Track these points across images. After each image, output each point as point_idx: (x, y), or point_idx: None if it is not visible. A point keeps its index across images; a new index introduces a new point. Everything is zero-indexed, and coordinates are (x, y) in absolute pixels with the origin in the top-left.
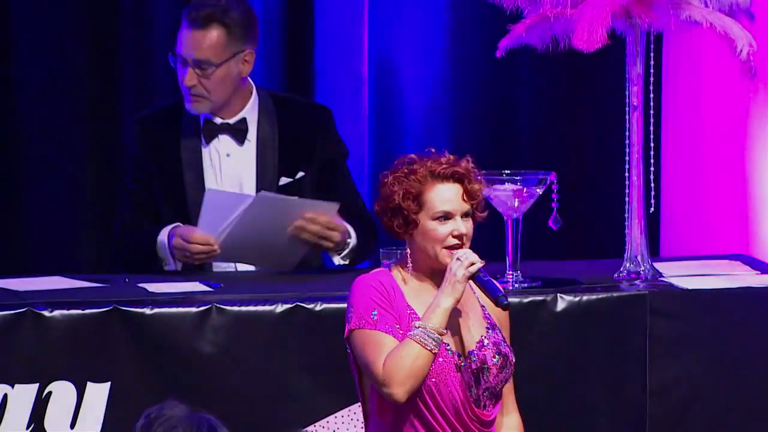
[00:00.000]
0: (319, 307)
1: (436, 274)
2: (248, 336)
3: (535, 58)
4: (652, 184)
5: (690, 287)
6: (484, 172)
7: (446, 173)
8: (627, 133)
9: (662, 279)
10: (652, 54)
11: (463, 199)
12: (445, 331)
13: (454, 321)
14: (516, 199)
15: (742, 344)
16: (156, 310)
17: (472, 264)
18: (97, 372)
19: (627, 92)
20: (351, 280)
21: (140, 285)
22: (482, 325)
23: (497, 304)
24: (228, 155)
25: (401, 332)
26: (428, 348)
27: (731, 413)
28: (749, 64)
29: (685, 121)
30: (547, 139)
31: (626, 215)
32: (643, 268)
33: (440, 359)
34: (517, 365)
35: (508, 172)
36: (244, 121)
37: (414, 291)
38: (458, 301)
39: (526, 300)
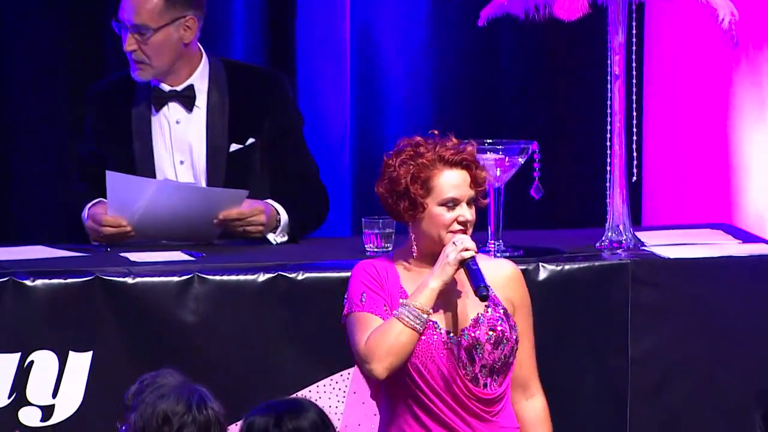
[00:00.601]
0: (300, 276)
1: (437, 258)
2: (230, 305)
3: (516, 27)
4: (634, 154)
5: (672, 256)
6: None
7: (455, 159)
8: (609, 103)
9: (644, 248)
10: (634, 23)
11: (470, 186)
12: (430, 311)
13: (450, 299)
14: (498, 169)
15: (723, 313)
16: (138, 280)
17: (466, 250)
18: (79, 341)
19: (609, 61)
20: (331, 247)
21: (122, 254)
22: (482, 304)
23: (476, 293)
24: (177, 122)
25: (390, 313)
26: (410, 326)
27: (713, 382)
28: (731, 32)
29: (666, 90)
30: (528, 109)
31: (608, 184)
32: (625, 237)
33: (425, 337)
34: None
35: (490, 141)
36: (191, 87)
37: (411, 273)
38: (447, 284)
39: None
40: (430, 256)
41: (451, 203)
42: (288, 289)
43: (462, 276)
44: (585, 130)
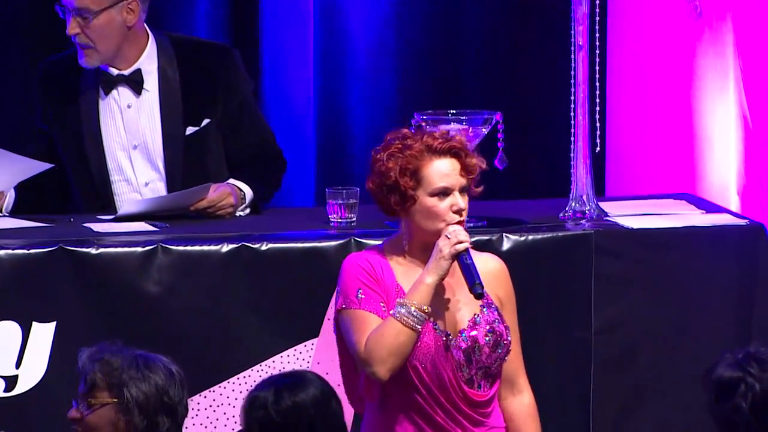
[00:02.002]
0: (264, 247)
1: (430, 252)
2: (194, 276)
3: None
4: (598, 124)
5: (635, 226)
6: (429, 112)
7: (443, 148)
8: (572, 73)
9: (608, 218)
10: None
11: (461, 174)
12: (428, 309)
13: (445, 299)
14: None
15: (686, 283)
16: (101, 250)
17: (460, 242)
18: (42, 312)
19: (572, 32)
20: (295, 218)
21: (86, 225)
22: (476, 302)
23: (471, 291)
24: (129, 106)
25: (387, 311)
26: (409, 325)
27: (676, 352)
28: (694, 3)
29: (630, 60)
30: (492, 79)
31: (572, 155)
32: (588, 207)
33: (426, 338)
34: None
35: (454, 111)
36: (139, 72)
37: (406, 269)
38: (442, 279)
39: (472, 239)
40: (424, 249)
41: (443, 193)
42: (252, 259)
43: (458, 274)
44: (548, 100)
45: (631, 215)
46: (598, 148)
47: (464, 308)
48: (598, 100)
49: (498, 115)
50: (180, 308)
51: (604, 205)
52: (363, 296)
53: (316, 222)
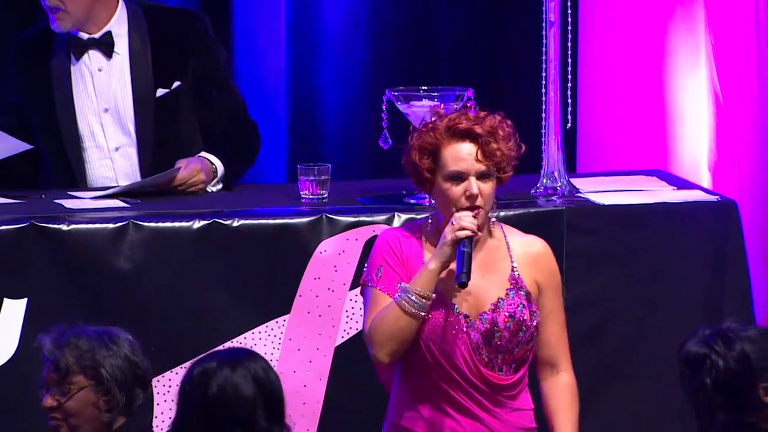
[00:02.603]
0: (236, 223)
1: None
2: (165, 252)
3: None
4: (569, 100)
5: (606, 203)
6: (401, 89)
7: (461, 130)
8: (544, 49)
9: (579, 195)
10: None
11: (478, 159)
12: (430, 295)
13: (471, 282)
14: None
15: (658, 260)
16: (73, 227)
17: (462, 229)
18: (13, 288)
19: (544, 8)
20: (267, 194)
21: (57, 201)
22: (504, 286)
23: (456, 280)
24: (100, 70)
25: None
26: (408, 312)
27: (647, 328)
28: None
29: (602, 37)
30: (464, 56)
31: (543, 131)
32: (560, 183)
33: (440, 318)
34: None
35: (426, 88)
36: (109, 34)
37: (435, 245)
38: (446, 264)
39: None
40: None
41: (457, 177)
42: (223, 236)
43: (482, 257)
44: (520, 77)
45: (602, 191)
46: (569, 125)
47: (489, 291)
48: (569, 77)
49: (469, 91)
50: (151, 284)
51: (575, 181)
52: (382, 275)
53: (287, 198)
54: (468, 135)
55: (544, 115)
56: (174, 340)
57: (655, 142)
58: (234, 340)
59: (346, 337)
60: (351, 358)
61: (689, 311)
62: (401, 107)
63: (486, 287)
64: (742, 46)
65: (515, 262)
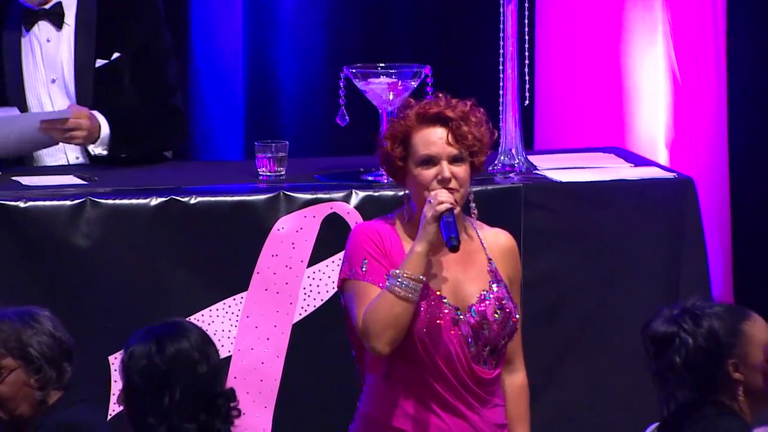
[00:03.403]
0: (193, 200)
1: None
2: (123, 229)
3: None
4: (527, 77)
5: (564, 180)
6: (359, 65)
7: (432, 115)
8: (501, 27)
9: (536, 172)
10: None
11: (449, 143)
12: (421, 278)
13: (454, 274)
14: (391, 92)
15: (615, 236)
16: (30, 204)
17: (441, 203)
18: None
19: None
20: (224, 171)
21: (14, 178)
22: (485, 279)
23: (446, 245)
24: (48, 41)
25: None
26: (402, 297)
27: (605, 304)
28: None
29: (559, 13)
30: (422, 32)
31: (501, 108)
32: (517, 160)
33: (435, 312)
34: None
35: (383, 65)
36: (60, 5)
37: (412, 240)
38: (431, 244)
39: (400, 193)
40: None
41: (428, 161)
42: (181, 213)
43: (467, 249)
44: (478, 54)
45: (560, 168)
46: (527, 102)
47: (474, 283)
48: (527, 54)
49: (427, 68)
50: (109, 262)
51: (533, 158)
52: (367, 268)
53: (245, 175)
54: (438, 119)
55: (501, 92)
56: (131, 317)
57: (613, 119)
58: (192, 317)
59: (304, 314)
60: (308, 335)
61: (647, 288)
62: (359, 84)
63: (469, 280)
64: (698, 22)
65: (489, 254)
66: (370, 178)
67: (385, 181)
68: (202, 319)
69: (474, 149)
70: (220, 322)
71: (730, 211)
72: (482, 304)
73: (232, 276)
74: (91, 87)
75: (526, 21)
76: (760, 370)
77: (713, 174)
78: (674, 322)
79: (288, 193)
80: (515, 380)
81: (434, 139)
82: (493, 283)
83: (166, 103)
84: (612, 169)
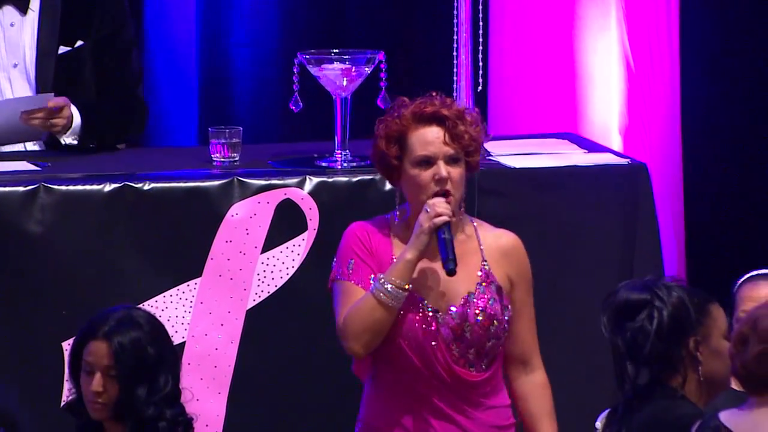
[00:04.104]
0: (147, 186)
1: None
2: (76, 215)
3: None
4: (480, 63)
5: (518, 166)
6: (312, 52)
7: (428, 115)
8: (455, 12)
9: (490, 158)
10: None
11: (446, 143)
12: (407, 286)
13: (439, 275)
14: (344, 78)
15: (569, 222)
16: None
17: (438, 216)
18: None
19: None
20: (178, 157)
21: None
22: (473, 280)
23: (444, 267)
24: (12, 25)
25: None
26: (384, 302)
27: (558, 290)
28: None
29: None
30: (376, 18)
31: (454, 94)
32: None
33: (412, 314)
34: None
35: (337, 51)
36: None
37: (403, 241)
38: (422, 253)
39: (354, 179)
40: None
41: (425, 162)
42: (134, 199)
43: (458, 249)
44: (431, 39)
45: (513, 155)
46: (480, 88)
47: (459, 285)
48: (480, 40)
49: (381, 54)
50: (63, 248)
51: (486, 144)
52: (353, 268)
53: (198, 161)
54: (435, 119)
55: (455, 78)
56: (85, 304)
57: (566, 105)
58: (145, 303)
59: (258, 300)
60: (262, 321)
61: (600, 274)
62: (313, 70)
63: (455, 281)
64: (652, 8)
65: (486, 256)
66: (324, 164)
67: (339, 167)
68: (155, 305)
69: (470, 149)
70: (174, 308)
71: (683, 197)
72: (465, 306)
73: (186, 262)
74: (51, 74)
75: (480, 7)
76: (719, 355)
77: (667, 160)
78: (648, 289)
79: (242, 179)
80: (535, 379)
81: (431, 138)
82: (480, 285)
83: (132, 94)
84: (565, 155)
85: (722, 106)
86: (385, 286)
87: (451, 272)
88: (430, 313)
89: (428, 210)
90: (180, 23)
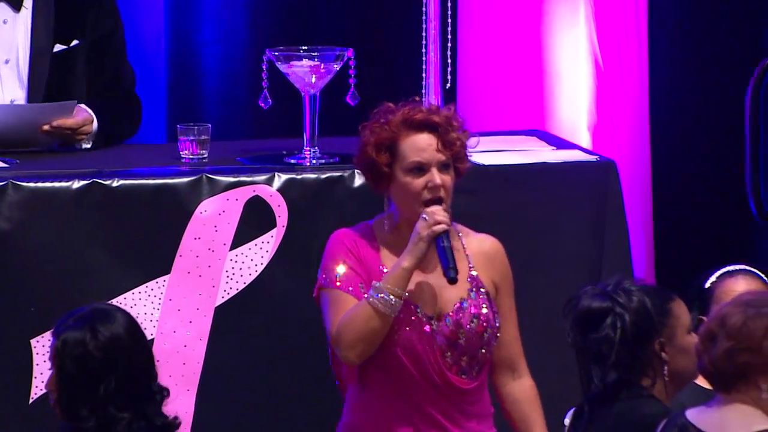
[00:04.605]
0: (116, 183)
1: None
2: (45, 212)
3: None
4: (449, 60)
5: (486, 163)
6: (281, 48)
7: (418, 121)
8: (424, 9)
9: None
10: None
11: (438, 150)
12: (404, 294)
13: (431, 283)
14: (313, 75)
15: (538, 219)
16: None
17: (438, 224)
18: None
19: None
20: (147, 154)
21: None
22: (464, 286)
23: (444, 275)
24: (5, 22)
25: (365, 292)
26: (381, 312)
27: (526, 287)
28: None
29: None
30: (345, 15)
31: (423, 91)
32: None
33: (407, 322)
34: (312, 239)
35: (306, 48)
36: None
37: (391, 249)
38: (420, 261)
39: (323, 176)
40: (407, 229)
41: (418, 169)
42: (103, 196)
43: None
44: (400, 36)
45: (482, 151)
46: (449, 85)
47: (451, 292)
48: (449, 37)
49: (350, 51)
50: (31, 245)
51: None
52: (343, 276)
53: (167, 158)
54: (426, 125)
55: (424, 75)
56: (53, 301)
57: (535, 102)
58: (114, 300)
59: (227, 297)
60: (231, 318)
61: (569, 270)
62: (281, 67)
63: (448, 288)
64: (620, 4)
65: (471, 261)
66: (293, 161)
67: (308, 164)
68: (124, 302)
69: (460, 155)
70: (143, 305)
71: (651, 194)
72: (458, 313)
73: (155, 259)
74: (46, 72)
75: (449, 3)
76: (686, 352)
77: (635, 157)
78: (608, 297)
79: (211, 176)
80: (523, 385)
81: (424, 145)
82: (472, 291)
83: (131, 92)
84: (534, 152)
85: (691, 103)
86: (383, 295)
87: (452, 281)
88: (425, 321)
89: (426, 218)
90: (148, 20)
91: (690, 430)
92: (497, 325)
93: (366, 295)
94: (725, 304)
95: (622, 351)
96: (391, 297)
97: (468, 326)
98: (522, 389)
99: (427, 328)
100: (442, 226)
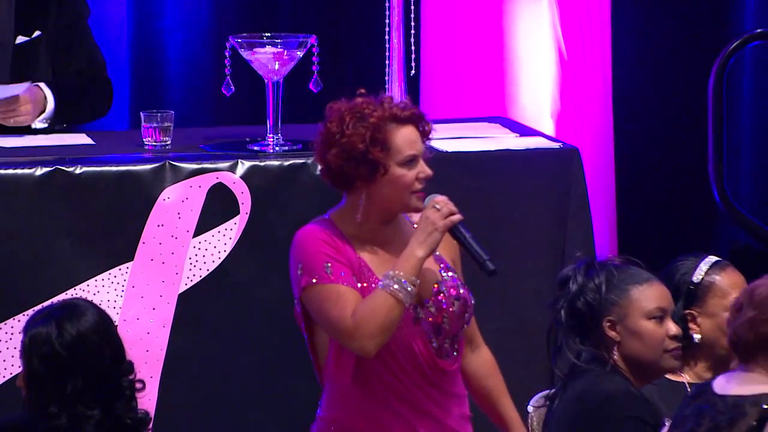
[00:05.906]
0: (78, 170)
1: (387, 224)
2: (7, 199)
3: None
4: (413, 47)
5: (450, 150)
6: (244, 35)
7: (405, 115)
8: None
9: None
10: None
11: (422, 141)
12: (418, 283)
13: None
14: (276, 62)
15: (501, 206)
16: None
17: (452, 213)
18: None
19: None
20: (110, 141)
21: None
22: (434, 268)
23: (482, 269)
24: None
25: (357, 282)
26: (403, 299)
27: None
28: None
29: None
30: (307, 2)
31: (387, 78)
32: None
33: None
34: (276, 227)
35: (269, 35)
36: None
37: (363, 241)
38: (433, 252)
39: (286, 163)
40: (384, 221)
41: (411, 161)
42: (66, 183)
43: (403, 245)
44: (364, 23)
45: (445, 138)
46: (413, 71)
47: (427, 275)
48: (413, 23)
49: (313, 38)
50: None
51: None
52: (332, 269)
53: (130, 145)
54: (410, 119)
55: (387, 62)
56: (16, 289)
57: (498, 89)
58: (77, 287)
59: (190, 284)
60: (194, 305)
61: (532, 257)
62: (244, 54)
63: (421, 272)
64: None
65: None
66: (255, 148)
67: (272, 151)
68: (87, 289)
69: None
70: (106, 292)
71: (614, 181)
72: (438, 296)
73: (118, 246)
74: (8, 64)
75: None
76: (639, 336)
77: (598, 144)
78: (573, 268)
79: (174, 163)
80: (482, 356)
81: (414, 138)
82: (443, 272)
83: (101, 77)
84: (497, 139)
85: (653, 91)
86: (403, 284)
87: (492, 273)
88: (410, 309)
89: (438, 208)
90: (111, 6)
91: (708, 395)
92: (473, 302)
93: (383, 285)
94: (759, 280)
95: (569, 321)
96: (410, 285)
97: (451, 309)
98: (481, 360)
99: (412, 315)
100: (459, 216)
